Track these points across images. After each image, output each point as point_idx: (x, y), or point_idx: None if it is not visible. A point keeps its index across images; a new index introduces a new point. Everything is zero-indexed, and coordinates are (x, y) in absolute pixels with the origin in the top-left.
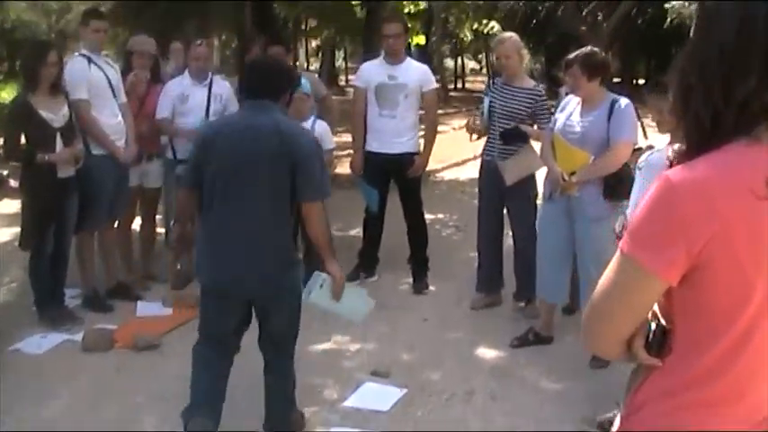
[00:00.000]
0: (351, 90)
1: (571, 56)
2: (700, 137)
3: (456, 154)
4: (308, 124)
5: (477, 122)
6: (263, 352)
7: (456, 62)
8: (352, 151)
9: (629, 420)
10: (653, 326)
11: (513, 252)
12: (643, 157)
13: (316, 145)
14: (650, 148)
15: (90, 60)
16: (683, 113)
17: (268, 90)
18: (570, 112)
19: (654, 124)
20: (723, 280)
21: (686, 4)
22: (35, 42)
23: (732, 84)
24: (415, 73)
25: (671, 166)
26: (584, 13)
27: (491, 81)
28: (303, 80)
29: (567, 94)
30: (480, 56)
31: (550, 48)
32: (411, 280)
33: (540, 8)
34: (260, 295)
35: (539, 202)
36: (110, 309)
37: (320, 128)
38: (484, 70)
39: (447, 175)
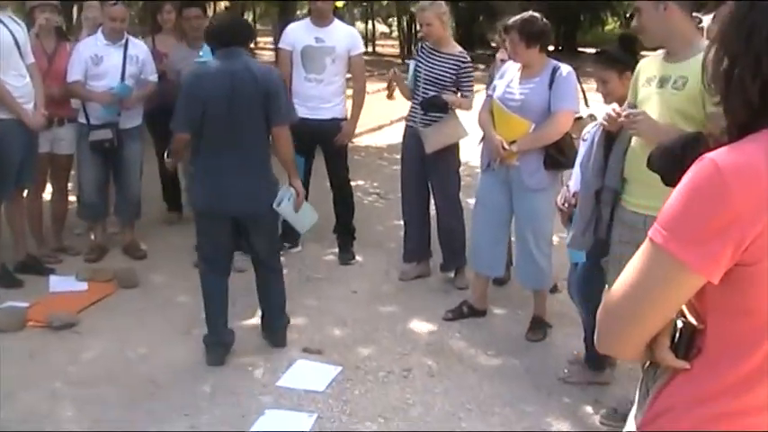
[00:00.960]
0: (259, 53)
1: (509, 21)
2: (746, 114)
3: (372, 119)
4: None
5: (402, 76)
6: (255, 268)
7: (366, 26)
8: None
9: (653, 425)
10: (679, 324)
11: (436, 223)
12: (588, 128)
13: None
14: (591, 117)
15: None
16: (725, 87)
17: (238, 39)
18: (510, 79)
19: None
20: None
21: None
22: None
23: None
24: (343, 36)
25: (605, 128)
26: None
27: (419, 45)
28: None
29: (502, 61)
30: (391, 19)
31: (461, 12)
32: (336, 250)
33: None
34: (246, 212)
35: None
36: (19, 284)
37: None
38: (395, 34)
39: (364, 140)
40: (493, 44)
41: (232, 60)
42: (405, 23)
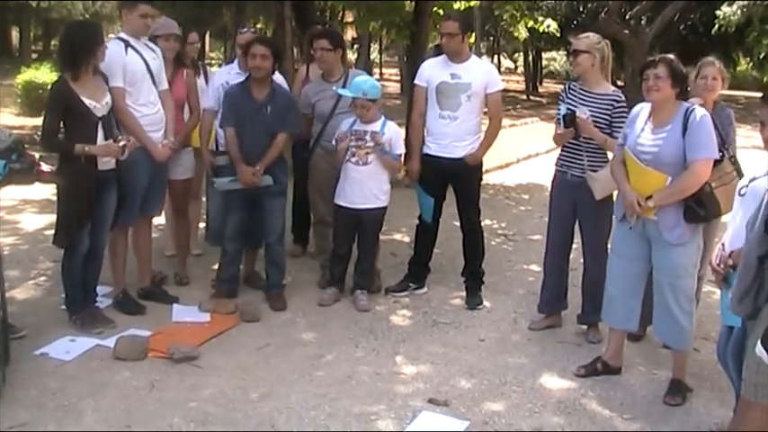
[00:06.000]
0: (386, 84)
1: (659, 56)
2: None
3: (500, 157)
4: (377, 126)
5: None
6: None
7: (491, 60)
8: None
9: None
10: None
11: (582, 272)
12: (744, 181)
13: None
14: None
15: (127, 45)
16: None
17: None
18: (641, 128)
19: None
20: None
21: (737, 11)
22: (84, 23)
23: None
24: (479, 72)
25: None
26: (627, 17)
27: (567, 86)
28: (369, 83)
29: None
30: (516, 55)
31: None
32: (463, 293)
33: (581, 9)
34: None
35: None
36: (142, 311)
37: (391, 131)
38: (520, 69)
39: (491, 178)
40: (619, 82)
41: None
42: (531, 59)
